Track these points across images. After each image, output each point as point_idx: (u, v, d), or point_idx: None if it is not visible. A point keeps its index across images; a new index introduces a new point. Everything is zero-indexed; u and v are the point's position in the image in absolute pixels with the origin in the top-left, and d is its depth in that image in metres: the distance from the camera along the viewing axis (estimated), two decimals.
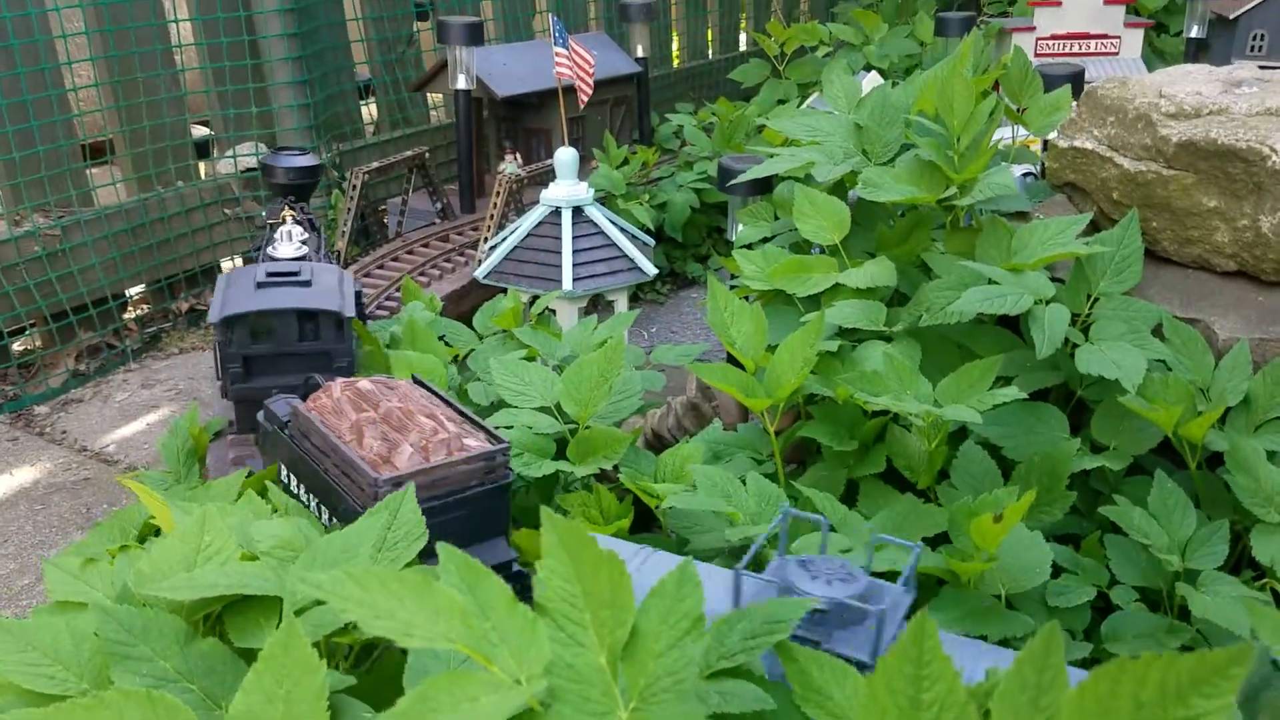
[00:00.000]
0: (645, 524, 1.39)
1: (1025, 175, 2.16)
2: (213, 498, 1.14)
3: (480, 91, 2.93)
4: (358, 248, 2.86)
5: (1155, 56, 3.82)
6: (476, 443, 1.15)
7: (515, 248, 2.28)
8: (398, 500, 0.93)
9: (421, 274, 2.55)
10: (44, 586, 1.12)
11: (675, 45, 4.47)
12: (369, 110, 3.41)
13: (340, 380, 1.25)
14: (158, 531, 1.13)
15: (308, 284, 1.59)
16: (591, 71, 2.40)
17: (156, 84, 2.67)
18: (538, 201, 2.33)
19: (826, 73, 1.67)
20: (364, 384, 1.22)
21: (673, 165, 3.14)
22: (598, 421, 1.41)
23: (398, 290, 2.38)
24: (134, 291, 2.76)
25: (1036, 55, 3.36)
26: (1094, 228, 1.44)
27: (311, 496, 1.18)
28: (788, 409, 1.35)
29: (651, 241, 2.43)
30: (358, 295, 1.95)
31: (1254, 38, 3.34)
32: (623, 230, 2.34)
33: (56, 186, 2.50)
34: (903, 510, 1.15)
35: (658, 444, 1.71)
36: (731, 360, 1.35)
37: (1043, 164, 1.61)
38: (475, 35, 2.78)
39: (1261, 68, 1.49)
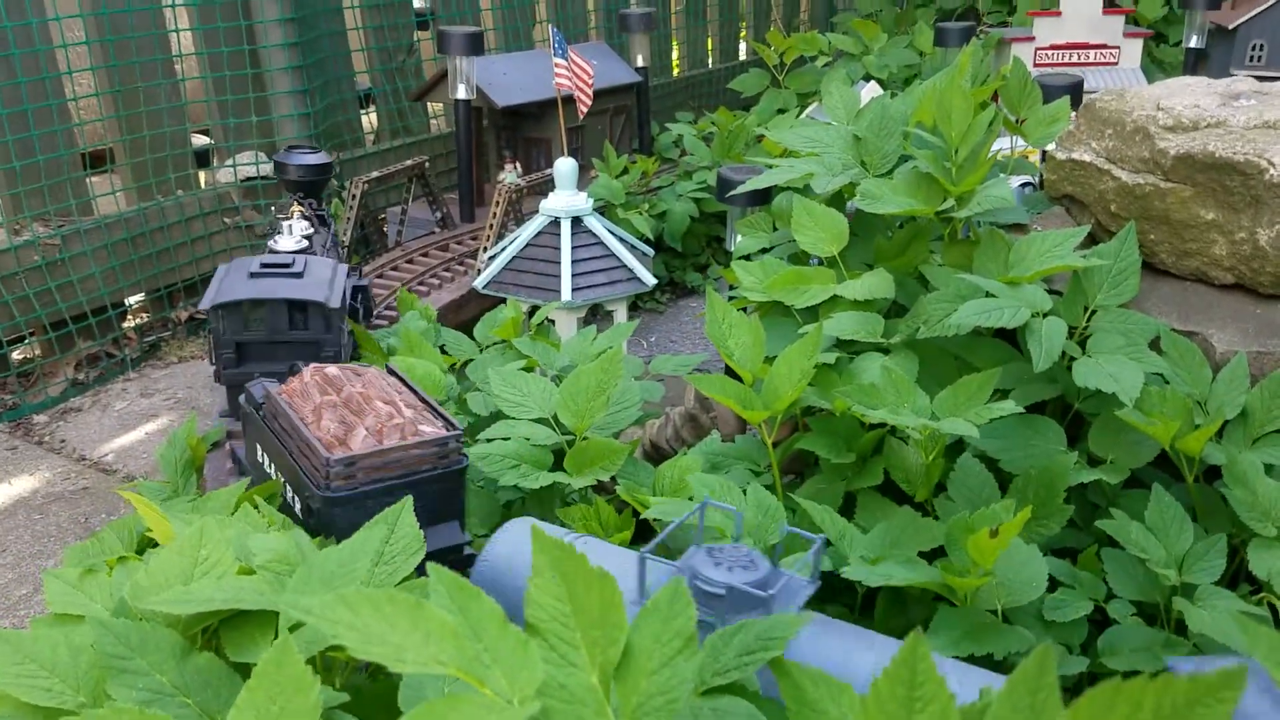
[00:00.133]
0: (646, 536, 1.39)
1: (1024, 186, 2.17)
2: (210, 509, 1.14)
3: (480, 101, 2.93)
4: (358, 257, 2.87)
5: (1154, 66, 3.83)
6: (431, 429, 1.20)
7: (514, 258, 2.28)
8: (395, 513, 0.93)
9: (421, 283, 2.55)
10: (42, 597, 1.12)
11: (675, 54, 4.48)
12: (369, 119, 3.41)
13: (312, 365, 1.30)
14: (155, 543, 1.13)
15: (299, 275, 1.65)
16: (590, 82, 2.40)
17: (157, 93, 2.68)
18: (537, 211, 2.34)
19: (826, 83, 1.67)
20: (331, 370, 1.28)
21: (672, 175, 3.14)
22: (595, 433, 1.41)
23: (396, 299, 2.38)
24: (133, 300, 2.76)
25: (1036, 65, 3.37)
26: (1092, 240, 1.44)
27: (280, 476, 1.24)
28: (786, 420, 1.35)
29: (651, 251, 2.44)
30: (364, 291, 2.04)
31: (1253, 48, 3.35)
32: (622, 240, 2.34)
33: (56, 196, 2.50)
34: (899, 523, 1.15)
35: (656, 455, 1.71)
36: (729, 372, 1.35)
37: (1041, 175, 1.61)
38: (475, 45, 2.78)
39: (1259, 78, 1.49)
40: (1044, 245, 1.30)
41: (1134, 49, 3.40)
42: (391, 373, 1.33)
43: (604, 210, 2.78)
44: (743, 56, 4.81)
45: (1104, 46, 3.38)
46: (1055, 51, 3.37)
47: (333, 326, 1.64)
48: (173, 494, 1.59)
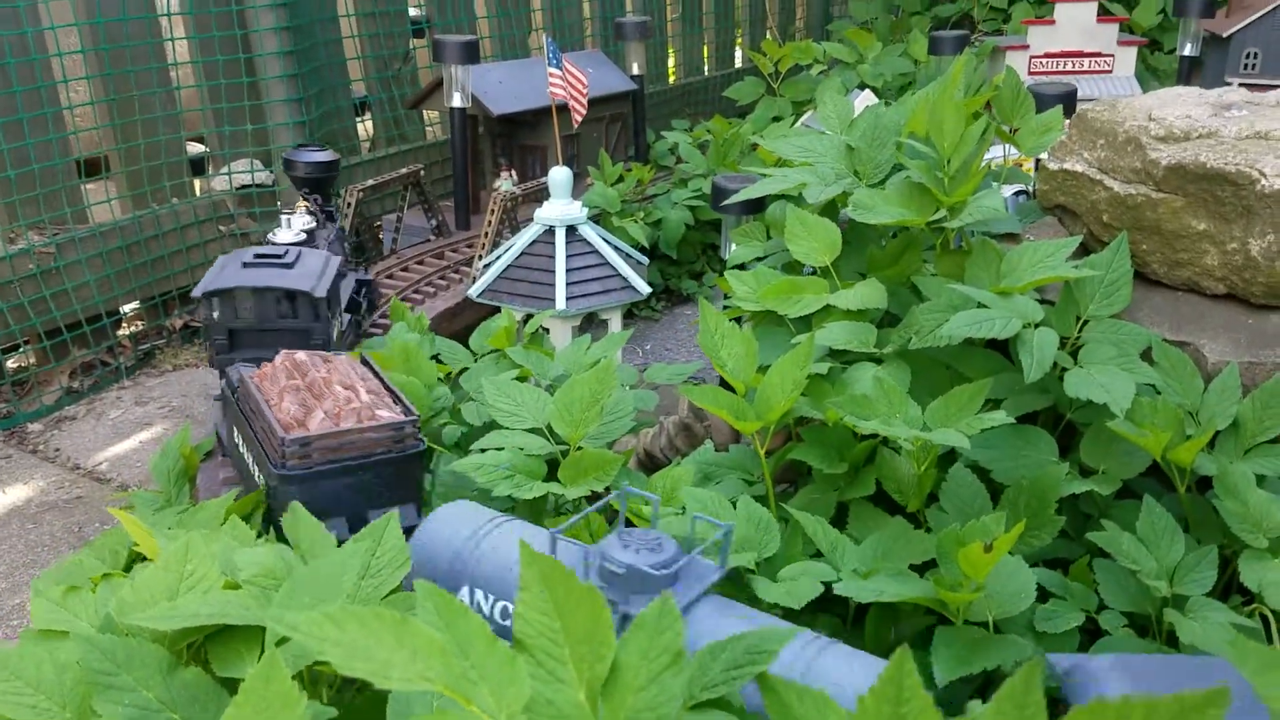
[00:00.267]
0: None
1: (1018, 194, 2.17)
2: (199, 522, 1.14)
3: (475, 109, 2.93)
4: (353, 264, 2.86)
5: (1149, 74, 3.83)
6: (389, 414, 1.27)
7: (509, 266, 2.28)
8: (381, 526, 0.93)
9: (416, 291, 2.55)
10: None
11: (671, 61, 4.48)
12: (364, 127, 3.41)
13: (284, 351, 1.38)
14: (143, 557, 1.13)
15: (289, 266, 1.75)
16: (585, 91, 2.41)
17: (152, 101, 2.68)
18: (532, 219, 2.34)
19: (820, 92, 1.68)
20: (300, 355, 1.35)
21: (668, 182, 3.14)
22: (589, 443, 1.41)
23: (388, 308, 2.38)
24: (128, 308, 2.76)
25: (1030, 74, 3.37)
26: (1084, 250, 1.44)
27: (249, 456, 1.30)
28: (779, 430, 1.35)
29: (645, 260, 2.44)
30: (367, 285, 2.19)
31: (1247, 55, 3.36)
32: (616, 249, 2.34)
33: (51, 204, 2.50)
34: (891, 534, 1.15)
35: (650, 464, 1.71)
36: (723, 382, 1.35)
37: (1035, 183, 1.61)
38: (471, 54, 2.78)
39: (1253, 86, 1.50)
40: (1036, 255, 1.31)
41: (1128, 57, 3.41)
42: (365, 362, 1.37)
43: (599, 218, 2.78)
44: (739, 64, 4.82)
45: (1098, 55, 3.39)
46: (1050, 60, 3.38)
47: (321, 316, 1.72)
48: (166, 504, 1.58)
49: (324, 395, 1.24)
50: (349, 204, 2.63)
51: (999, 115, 1.57)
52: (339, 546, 1.11)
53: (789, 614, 1.09)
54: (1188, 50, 3.35)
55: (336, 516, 1.30)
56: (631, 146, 3.47)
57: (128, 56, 2.60)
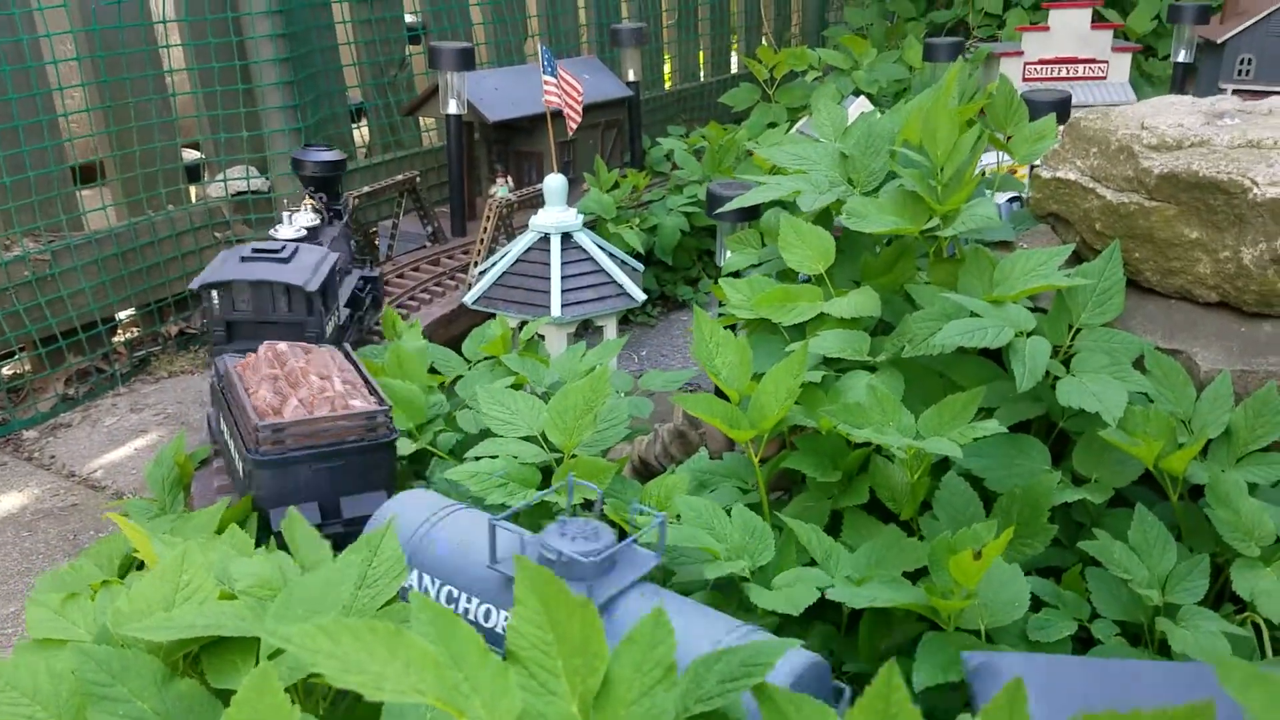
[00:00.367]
0: None
1: (1012, 200, 2.18)
2: (194, 530, 1.14)
3: (471, 116, 2.94)
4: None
5: (1143, 81, 3.84)
6: (362, 403, 1.32)
7: (504, 273, 2.29)
8: (379, 537, 0.93)
9: (411, 298, 2.56)
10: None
11: (667, 67, 4.49)
12: (361, 133, 3.42)
13: (267, 342, 1.44)
14: (142, 564, 1.13)
15: (285, 261, 1.82)
16: (580, 99, 2.41)
17: (147, 108, 2.68)
18: (528, 226, 2.34)
19: (815, 99, 1.68)
20: (282, 346, 1.41)
21: (663, 189, 3.15)
22: (584, 450, 1.41)
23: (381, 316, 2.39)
24: (123, 315, 2.76)
25: (1025, 80, 3.38)
26: (1077, 258, 1.45)
27: (231, 443, 1.36)
28: (774, 437, 1.35)
29: (640, 267, 2.44)
30: (374, 282, 2.27)
31: (1241, 62, 3.37)
32: (611, 256, 2.34)
33: (46, 211, 2.50)
34: (885, 542, 1.15)
35: (645, 471, 1.72)
36: (718, 390, 1.35)
37: (1029, 190, 1.61)
38: (466, 61, 2.79)
39: (1248, 93, 1.50)
40: (1028, 264, 1.31)
41: (1123, 63, 3.42)
42: (346, 355, 1.48)
43: (595, 224, 2.79)
44: (734, 69, 4.82)
45: (1093, 61, 3.40)
46: (1044, 66, 3.39)
47: (314, 310, 1.78)
48: (160, 512, 1.59)
49: (300, 384, 1.30)
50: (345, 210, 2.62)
51: (992, 122, 1.58)
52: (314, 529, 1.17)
53: (785, 622, 1.10)
54: (1182, 56, 3.37)
55: (309, 501, 1.36)
56: (627, 153, 3.48)
57: (123, 63, 2.60)
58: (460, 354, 1.90)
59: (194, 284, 1.76)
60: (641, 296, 2.31)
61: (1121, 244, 1.34)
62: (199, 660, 0.85)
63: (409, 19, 3.44)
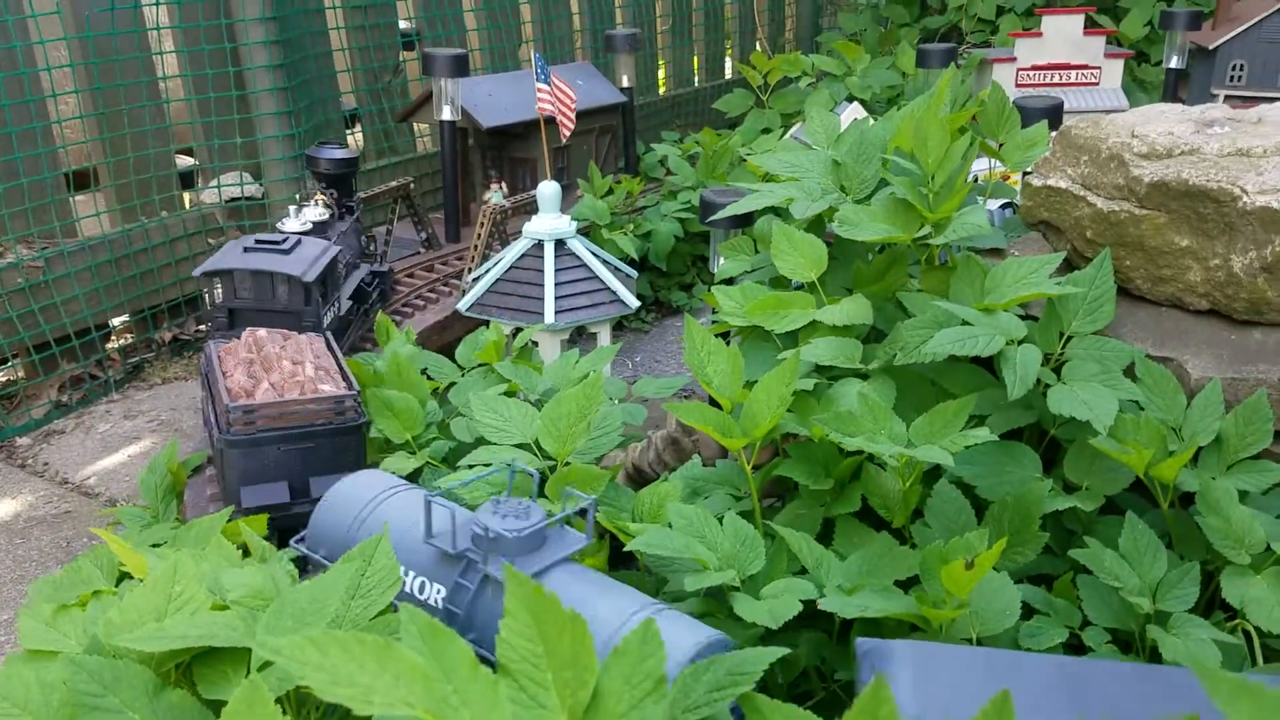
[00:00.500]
0: (626, 560, 1.40)
1: (1004, 206, 2.18)
2: (188, 540, 1.14)
3: (465, 122, 2.94)
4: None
5: (1136, 87, 3.86)
6: (331, 388, 1.40)
7: (498, 280, 2.29)
8: (371, 546, 0.93)
9: (405, 304, 2.56)
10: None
11: (661, 73, 4.50)
12: (355, 139, 3.42)
13: (249, 329, 1.51)
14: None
15: (286, 252, 1.89)
16: (573, 106, 2.41)
17: (141, 115, 2.68)
18: (522, 232, 2.34)
19: (808, 106, 1.69)
20: (262, 333, 1.49)
21: (657, 194, 3.15)
22: (577, 458, 1.41)
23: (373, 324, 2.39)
24: (117, 322, 2.76)
25: (1018, 86, 3.39)
26: (1068, 266, 1.45)
27: (215, 425, 1.43)
28: (766, 444, 1.35)
29: (634, 274, 2.44)
30: (383, 277, 2.36)
31: (1233, 68, 3.38)
32: (605, 263, 2.35)
33: (40, 218, 2.50)
34: (876, 551, 1.15)
35: (638, 478, 1.72)
36: (710, 397, 1.35)
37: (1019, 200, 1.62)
38: (460, 67, 2.79)
39: (1239, 99, 1.51)
40: (1019, 272, 1.31)
41: (1115, 69, 3.43)
42: (327, 343, 1.57)
43: (589, 230, 2.79)
44: (728, 74, 4.83)
45: (1085, 67, 3.41)
46: (1037, 72, 3.40)
47: (311, 299, 1.85)
48: (153, 520, 1.59)
49: (273, 368, 1.36)
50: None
51: (984, 130, 1.58)
52: (280, 509, 1.29)
53: (775, 629, 1.10)
54: (1174, 62, 3.38)
55: (278, 481, 1.42)
56: (621, 158, 3.48)
57: (117, 70, 2.60)
58: (454, 361, 1.90)
59: (197, 270, 1.85)
60: (635, 303, 2.31)
61: (1112, 252, 1.35)
62: (190, 671, 0.85)
63: (403, 25, 3.44)
